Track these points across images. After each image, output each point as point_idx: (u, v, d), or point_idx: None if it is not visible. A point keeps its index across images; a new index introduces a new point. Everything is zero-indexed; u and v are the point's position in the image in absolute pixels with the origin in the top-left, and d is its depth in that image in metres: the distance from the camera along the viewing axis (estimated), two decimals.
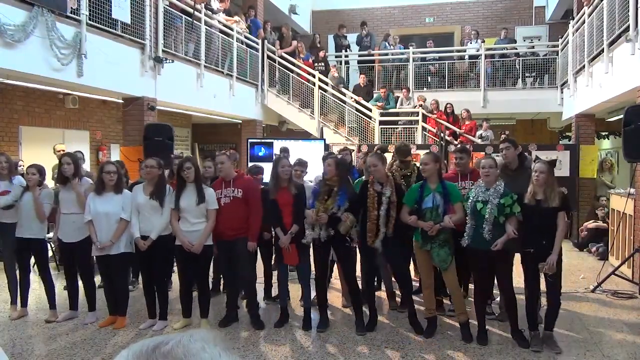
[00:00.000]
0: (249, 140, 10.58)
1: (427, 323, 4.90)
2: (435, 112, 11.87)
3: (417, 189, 4.80)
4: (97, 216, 4.95)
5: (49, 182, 6.00)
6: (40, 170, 5.31)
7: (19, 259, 5.38)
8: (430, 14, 15.96)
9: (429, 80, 13.27)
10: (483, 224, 4.43)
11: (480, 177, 4.65)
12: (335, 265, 5.84)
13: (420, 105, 11.83)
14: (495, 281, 4.80)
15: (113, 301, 5.21)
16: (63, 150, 8.18)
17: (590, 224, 9.31)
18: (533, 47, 13.77)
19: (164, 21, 8.46)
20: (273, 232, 5.32)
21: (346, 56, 14.08)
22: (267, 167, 5.71)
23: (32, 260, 5.63)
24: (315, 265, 5.09)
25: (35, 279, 5.88)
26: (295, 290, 5.69)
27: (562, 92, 11.65)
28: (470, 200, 4.55)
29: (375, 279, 5.73)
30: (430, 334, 4.80)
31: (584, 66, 9.29)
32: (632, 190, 6.93)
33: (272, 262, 5.80)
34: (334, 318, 5.39)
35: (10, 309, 5.49)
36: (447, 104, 11.93)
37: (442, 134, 10.82)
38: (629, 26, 6.77)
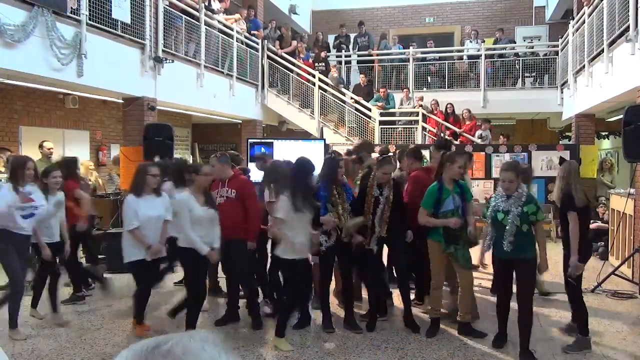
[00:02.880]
0: (249, 140, 10.58)
1: (431, 323, 4.89)
2: (435, 111, 11.88)
3: (435, 192, 4.71)
4: (148, 221, 4.73)
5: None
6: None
7: (50, 264, 5.20)
8: (430, 14, 15.97)
9: (429, 80, 13.27)
10: (505, 235, 4.21)
11: (450, 172, 4.64)
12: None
13: (421, 106, 11.84)
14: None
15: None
16: (52, 149, 8.14)
17: (591, 224, 9.30)
18: (533, 47, 13.78)
19: (164, 21, 8.46)
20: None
21: (347, 56, 14.08)
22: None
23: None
24: (323, 270, 5.04)
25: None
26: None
27: (562, 92, 11.65)
28: (490, 210, 4.37)
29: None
30: (432, 334, 4.80)
31: (584, 66, 9.29)
32: (632, 190, 6.93)
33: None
34: (333, 318, 5.39)
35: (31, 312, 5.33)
36: (447, 104, 11.94)
37: (442, 134, 10.83)
38: (629, 26, 6.77)
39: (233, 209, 4.98)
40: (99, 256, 7.61)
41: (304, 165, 4.67)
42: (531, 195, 4.32)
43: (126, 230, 4.73)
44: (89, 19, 6.84)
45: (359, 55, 13.87)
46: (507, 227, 4.19)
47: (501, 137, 11.45)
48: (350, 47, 14.10)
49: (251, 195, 5.11)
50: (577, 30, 10.09)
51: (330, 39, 14.79)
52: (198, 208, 4.62)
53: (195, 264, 4.65)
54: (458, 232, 4.64)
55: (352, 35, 14.23)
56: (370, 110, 11.98)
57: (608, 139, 13.52)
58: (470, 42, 13.60)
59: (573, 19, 10.94)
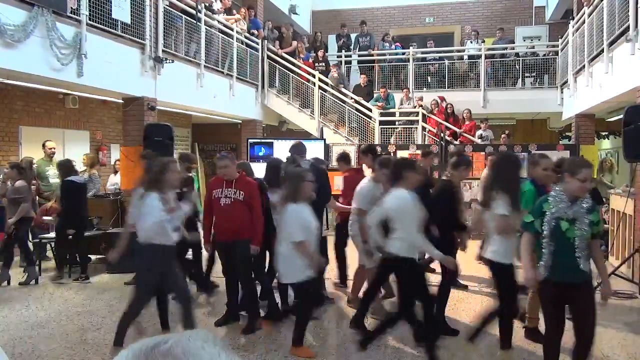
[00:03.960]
0: (249, 140, 10.58)
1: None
2: (434, 111, 11.89)
3: (534, 195, 4.25)
4: (313, 230, 4.45)
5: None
6: None
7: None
8: (430, 14, 15.97)
9: (429, 80, 13.27)
10: (575, 251, 3.35)
11: (569, 187, 3.40)
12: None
13: (421, 106, 11.84)
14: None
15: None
16: (54, 148, 8.18)
17: None
18: (533, 47, 13.78)
19: (164, 21, 8.45)
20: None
21: (347, 56, 14.08)
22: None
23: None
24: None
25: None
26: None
27: (562, 92, 11.65)
28: (548, 218, 3.40)
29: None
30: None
31: (584, 66, 9.29)
32: (633, 190, 6.93)
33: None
34: (334, 319, 5.40)
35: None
36: (447, 104, 11.94)
37: (442, 134, 10.83)
38: (629, 26, 6.77)
39: (240, 210, 4.93)
40: (99, 256, 7.64)
41: (512, 160, 4.35)
42: (594, 202, 3.51)
43: (292, 242, 4.22)
44: (89, 19, 6.83)
45: (359, 55, 13.88)
46: (575, 242, 3.34)
47: (502, 136, 11.46)
48: (352, 47, 14.10)
49: (259, 198, 5.06)
50: (577, 30, 10.09)
51: (331, 39, 14.79)
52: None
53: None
54: None
55: (353, 35, 14.24)
56: (370, 110, 11.98)
57: (608, 139, 13.53)
58: (471, 42, 13.60)
59: (573, 19, 10.94)
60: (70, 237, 6.95)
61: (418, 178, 4.30)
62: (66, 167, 7.03)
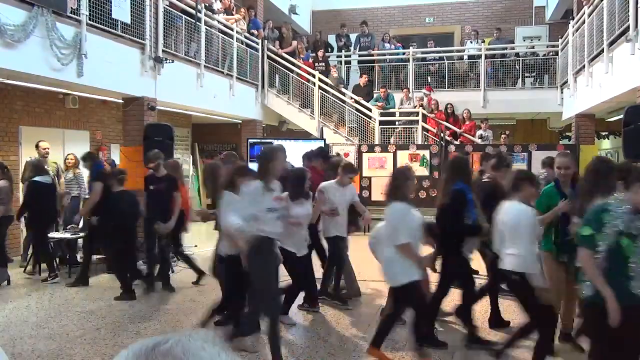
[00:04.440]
0: (249, 140, 10.59)
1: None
2: (435, 112, 11.89)
3: (553, 195, 4.21)
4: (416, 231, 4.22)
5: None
6: None
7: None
8: (430, 14, 15.97)
9: (429, 80, 13.27)
10: (629, 270, 2.92)
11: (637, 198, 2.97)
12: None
13: (421, 106, 11.85)
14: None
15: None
16: (47, 149, 8.13)
17: None
18: (533, 47, 13.78)
19: (164, 21, 8.46)
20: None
21: (347, 56, 14.08)
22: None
23: None
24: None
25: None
26: None
27: (562, 92, 11.65)
28: (609, 231, 2.93)
29: None
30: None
31: (584, 66, 9.29)
32: None
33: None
34: (334, 319, 5.40)
35: None
36: (447, 104, 11.94)
37: (442, 134, 10.83)
38: (629, 26, 6.77)
39: None
40: (99, 256, 7.64)
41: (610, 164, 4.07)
42: None
43: (396, 244, 3.95)
44: (89, 19, 6.83)
45: (359, 56, 13.88)
46: (632, 261, 2.92)
47: (502, 136, 11.46)
48: (352, 47, 14.10)
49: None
50: (577, 30, 10.09)
51: (331, 39, 14.78)
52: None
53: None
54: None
55: (354, 35, 14.23)
56: (370, 110, 11.98)
57: (608, 139, 13.53)
58: (471, 42, 13.60)
59: (573, 19, 10.94)
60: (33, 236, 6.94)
61: (534, 192, 4.09)
62: (34, 167, 7.02)
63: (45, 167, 7.37)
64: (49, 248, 7.06)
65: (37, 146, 7.99)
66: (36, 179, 6.86)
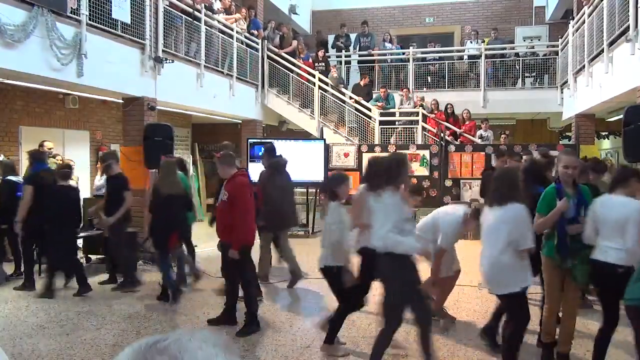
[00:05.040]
0: (249, 140, 10.59)
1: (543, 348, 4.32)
2: (435, 112, 11.89)
3: (555, 197, 4.03)
4: None
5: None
6: None
7: None
8: (430, 14, 15.97)
9: (429, 80, 13.27)
10: None
11: None
12: None
13: (421, 106, 11.85)
14: None
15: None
16: (52, 148, 8.13)
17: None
18: (533, 47, 13.78)
19: (164, 21, 8.46)
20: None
21: (347, 56, 14.09)
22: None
23: None
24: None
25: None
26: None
27: (562, 92, 11.65)
28: None
29: None
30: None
31: (584, 66, 9.29)
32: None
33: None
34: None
35: None
36: (447, 104, 11.94)
37: (442, 134, 10.83)
38: (629, 26, 6.78)
39: (224, 212, 4.87)
40: (99, 257, 7.64)
41: None
42: None
43: (521, 249, 3.69)
44: (89, 19, 6.84)
45: (359, 56, 13.88)
46: None
47: (502, 136, 11.46)
48: (351, 47, 14.10)
49: (241, 201, 4.77)
50: (577, 30, 10.09)
51: (331, 39, 14.79)
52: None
53: None
54: (579, 244, 3.93)
55: (353, 35, 14.24)
56: (370, 110, 11.98)
57: (608, 139, 13.54)
58: (471, 42, 13.61)
59: (573, 19, 10.95)
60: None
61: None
62: (6, 167, 7.04)
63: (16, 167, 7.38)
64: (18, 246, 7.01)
65: (40, 146, 8.00)
66: (9, 177, 6.87)
